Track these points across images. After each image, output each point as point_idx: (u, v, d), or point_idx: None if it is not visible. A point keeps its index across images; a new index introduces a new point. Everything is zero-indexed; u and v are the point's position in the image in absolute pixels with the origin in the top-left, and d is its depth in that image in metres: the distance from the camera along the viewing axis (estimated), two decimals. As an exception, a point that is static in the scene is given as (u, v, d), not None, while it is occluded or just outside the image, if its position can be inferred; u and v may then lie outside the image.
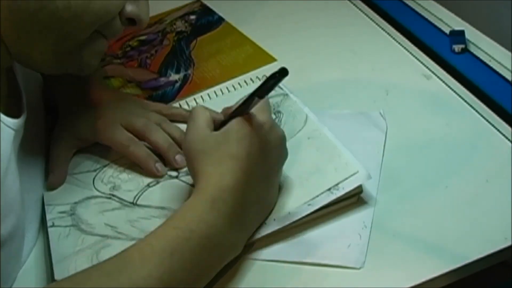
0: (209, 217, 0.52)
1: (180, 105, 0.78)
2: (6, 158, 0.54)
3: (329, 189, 0.59)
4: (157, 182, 0.66)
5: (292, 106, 0.71)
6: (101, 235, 0.61)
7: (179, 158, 0.66)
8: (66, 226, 0.62)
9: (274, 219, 0.59)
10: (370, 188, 0.63)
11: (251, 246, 0.58)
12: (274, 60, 0.84)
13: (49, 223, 0.63)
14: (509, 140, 0.68)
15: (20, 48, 0.56)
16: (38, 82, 0.73)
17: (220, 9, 0.98)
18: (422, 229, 0.59)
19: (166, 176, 0.67)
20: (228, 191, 0.53)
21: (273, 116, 0.69)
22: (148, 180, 0.67)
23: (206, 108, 0.60)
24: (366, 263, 0.56)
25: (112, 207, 0.64)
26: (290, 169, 0.63)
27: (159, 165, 0.66)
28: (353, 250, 0.57)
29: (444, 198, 0.62)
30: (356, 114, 0.73)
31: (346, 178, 0.60)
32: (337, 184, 0.60)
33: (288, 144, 0.65)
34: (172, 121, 0.72)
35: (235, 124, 0.56)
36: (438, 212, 0.61)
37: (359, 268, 0.56)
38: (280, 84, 0.74)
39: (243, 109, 0.56)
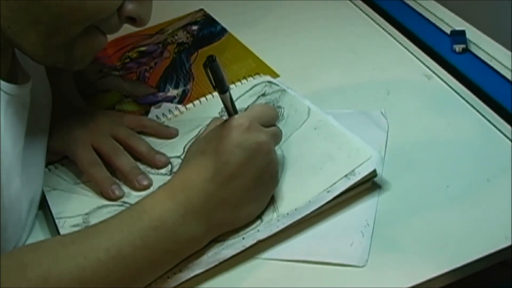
0: (165, 203, 0.54)
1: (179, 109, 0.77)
2: None
3: (345, 175, 0.60)
4: None
5: (292, 100, 0.71)
6: None
7: (140, 179, 0.66)
8: None
9: (296, 209, 0.59)
10: (372, 187, 0.63)
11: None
12: (276, 75, 0.82)
13: None
14: (509, 139, 0.68)
15: (12, 36, 0.56)
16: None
17: (223, 18, 0.96)
18: (422, 228, 0.59)
19: None
20: (190, 183, 0.55)
21: None
22: (158, 183, 0.66)
23: (220, 118, 0.62)
24: (366, 263, 0.56)
25: None
26: (302, 160, 0.63)
27: (115, 188, 0.65)
28: (356, 249, 0.57)
29: (445, 198, 0.62)
30: (358, 114, 0.73)
31: (361, 164, 0.60)
32: (353, 170, 0.60)
33: (294, 136, 0.66)
34: (142, 133, 0.72)
35: (215, 126, 0.58)
36: (438, 211, 0.61)
37: (362, 266, 0.56)
38: (276, 81, 0.75)
39: (227, 111, 0.58)
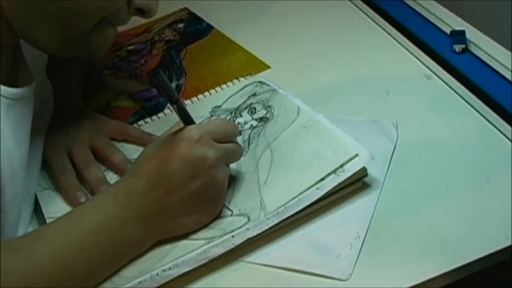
0: (106, 206, 0.55)
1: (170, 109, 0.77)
2: None
3: (334, 171, 0.60)
4: None
5: (282, 100, 0.71)
6: None
7: (102, 189, 0.65)
8: None
9: (285, 207, 0.59)
10: (371, 199, 0.62)
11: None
12: (267, 67, 0.83)
13: None
14: (509, 139, 0.68)
15: (25, 31, 0.56)
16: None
17: (208, 16, 0.97)
18: (422, 228, 0.59)
19: None
20: (132, 188, 0.56)
21: (264, 111, 0.70)
22: None
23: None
24: (366, 263, 0.56)
25: None
26: (290, 158, 0.63)
27: (79, 195, 0.65)
28: (342, 261, 0.56)
29: (445, 198, 0.62)
30: (368, 122, 0.71)
31: (349, 160, 0.60)
32: (341, 166, 0.60)
33: (284, 135, 0.66)
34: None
35: (168, 134, 0.58)
36: (438, 211, 0.61)
37: (345, 280, 0.55)
38: (267, 81, 0.75)
39: (181, 121, 0.58)
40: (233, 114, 0.72)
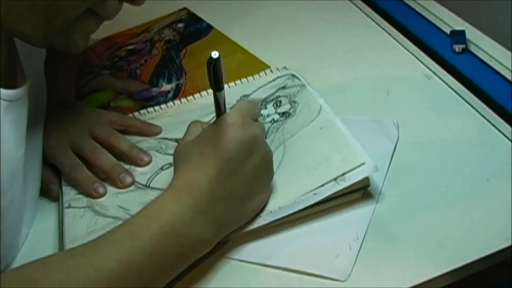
0: (171, 206, 0.54)
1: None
2: None
3: (335, 179, 0.60)
4: (171, 165, 0.66)
5: (308, 97, 0.72)
6: (113, 217, 0.62)
7: (122, 177, 0.66)
8: (81, 208, 0.63)
9: (280, 207, 0.59)
10: (370, 199, 0.62)
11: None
12: (267, 67, 0.83)
13: (65, 204, 0.64)
14: (509, 139, 0.68)
15: (11, 22, 0.55)
16: (41, 61, 0.73)
17: (207, 16, 0.97)
18: (422, 228, 0.59)
19: None
20: (195, 184, 0.55)
21: (288, 106, 0.71)
22: (162, 162, 0.67)
23: (199, 122, 0.61)
24: (366, 263, 0.56)
25: (126, 189, 0.65)
26: (300, 158, 0.63)
27: (97, 186, 0.65)
28: (340, 262, 0.56)
29: (445, 198, 0.62)
30: (369, 121, 0.71)
31: (353, 169, 0.60)
32: (343, 174, 0.60)
33: (301, 134, 0.66)
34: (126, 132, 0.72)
35: (207, 126, 0.58)
36: (438, 211, 0.61)
37: (344, 281, 0.55)
38: (298, 75, 0.76)
39: (217, 110, 0.58)
40: (259, 104, 0.73)
